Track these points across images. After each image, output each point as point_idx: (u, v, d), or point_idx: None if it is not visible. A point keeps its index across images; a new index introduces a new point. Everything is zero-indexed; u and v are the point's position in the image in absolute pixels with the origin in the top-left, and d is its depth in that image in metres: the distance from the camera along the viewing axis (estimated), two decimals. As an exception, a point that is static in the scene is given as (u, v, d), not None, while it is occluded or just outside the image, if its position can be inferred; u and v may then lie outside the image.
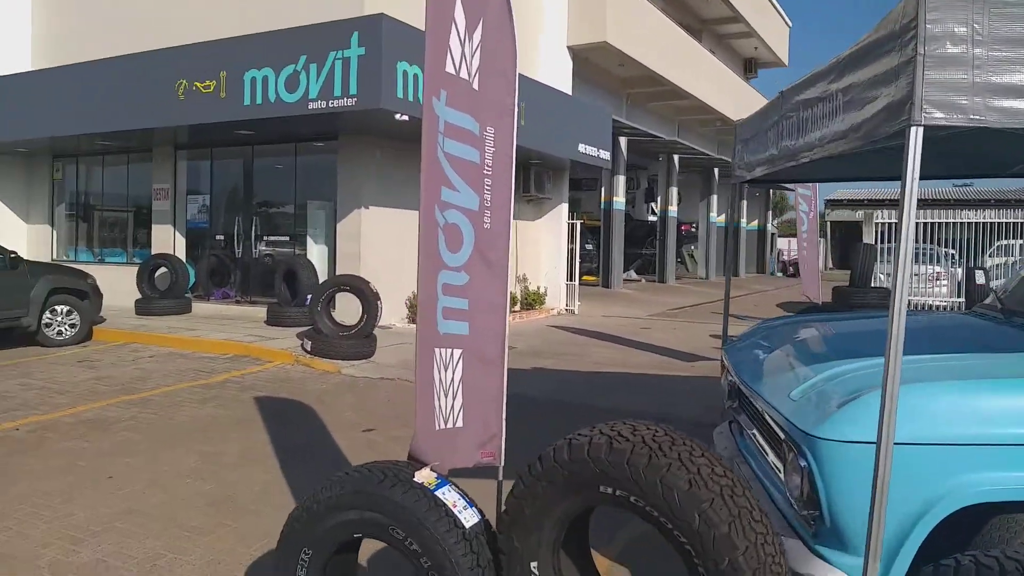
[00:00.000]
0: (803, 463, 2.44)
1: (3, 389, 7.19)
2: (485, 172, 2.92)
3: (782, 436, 2.65)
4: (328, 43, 9.06)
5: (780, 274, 38.58)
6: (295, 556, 2.49)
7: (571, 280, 15.40)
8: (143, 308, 11.51)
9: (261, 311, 11.33)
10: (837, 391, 2.54)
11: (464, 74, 2.81)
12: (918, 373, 2.43)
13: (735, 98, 24.79)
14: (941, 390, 2.36)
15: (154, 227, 12.94)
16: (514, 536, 2.28)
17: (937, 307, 15.11)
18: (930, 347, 2.98)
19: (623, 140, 18.93)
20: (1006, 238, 15.67)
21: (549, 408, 6.86)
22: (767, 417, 2.88)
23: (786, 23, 30.57)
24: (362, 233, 10.82)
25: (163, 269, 11.87)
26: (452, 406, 2.76)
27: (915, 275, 15.29)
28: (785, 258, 42.80)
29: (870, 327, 3.76)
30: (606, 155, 14.60)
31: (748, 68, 31.22)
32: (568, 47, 15.66)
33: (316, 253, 11.55)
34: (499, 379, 2.96)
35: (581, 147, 13.52)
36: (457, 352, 2.80)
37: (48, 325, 9.30)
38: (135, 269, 12.21)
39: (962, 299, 15.08)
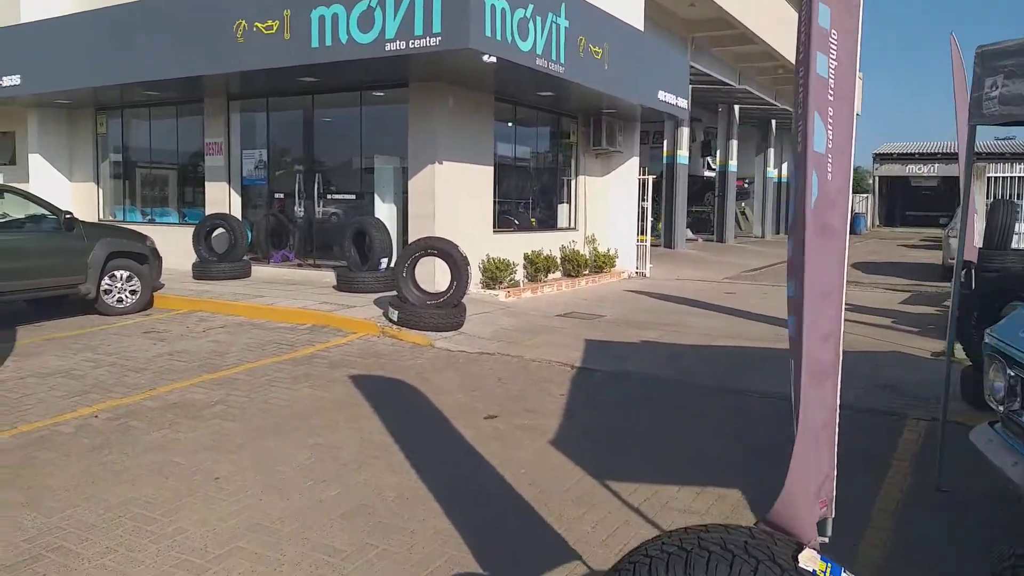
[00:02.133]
0: None
1: (70, 366, 6.44)
2: (829, 95, 2.01)
3: None
4: (406, -26, 8.04)
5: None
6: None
7: (641, 240, 14.46)
8: (201, 272, 10.72)
9: (327, 275, 10.52)
10: None
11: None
12: None
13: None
14: None
15: (207, 184, 12.04)
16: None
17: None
18: None
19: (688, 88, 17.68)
20: None
21: (685, 393, 6.07)
22: None
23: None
24: (436, 190, 9.89)
25: (221, 230, 11.04)
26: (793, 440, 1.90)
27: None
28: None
29: None
30: (684, 103, 13.49)
31: (805, 12, 29.48)
32: (639, -16, 14.44)
33: (385, 212, 10.63)
34: (832, 397, 2.09)
35: (661, 94, 12.40)
36: (791, 361, 1.93)
37: (108, 292, 8.47)
38: (188, 230, 11.40)
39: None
